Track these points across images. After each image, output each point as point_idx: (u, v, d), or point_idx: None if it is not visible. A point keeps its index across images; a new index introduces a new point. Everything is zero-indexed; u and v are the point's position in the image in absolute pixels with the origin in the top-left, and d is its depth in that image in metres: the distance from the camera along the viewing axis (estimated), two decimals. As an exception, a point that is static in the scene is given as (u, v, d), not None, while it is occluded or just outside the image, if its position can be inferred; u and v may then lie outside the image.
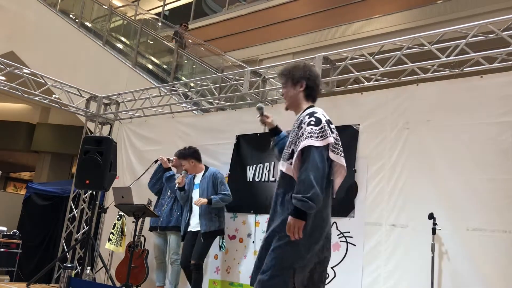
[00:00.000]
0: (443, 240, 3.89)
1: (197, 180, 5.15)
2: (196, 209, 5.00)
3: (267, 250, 2.62)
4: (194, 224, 4.99)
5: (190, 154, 5.20)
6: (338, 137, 2.72)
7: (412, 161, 4.23)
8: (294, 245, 2.52)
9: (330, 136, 2.60)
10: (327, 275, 4.41)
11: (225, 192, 4.97)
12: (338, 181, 2.73)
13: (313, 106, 2.81)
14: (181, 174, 5.17)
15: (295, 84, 2.82)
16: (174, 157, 5.49)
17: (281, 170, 2.74)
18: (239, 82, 5.62)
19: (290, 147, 2.72)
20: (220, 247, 5.06)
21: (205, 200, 4.84)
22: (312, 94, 2.84)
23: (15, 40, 11.12)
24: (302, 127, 2.65)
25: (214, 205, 4.89)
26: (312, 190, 2.44)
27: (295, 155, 2.62)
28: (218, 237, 5.04)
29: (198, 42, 11.06)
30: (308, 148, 2.54)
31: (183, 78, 8.75)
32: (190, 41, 10.76)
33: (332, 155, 2.65)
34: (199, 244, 4.86)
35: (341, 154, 2.70)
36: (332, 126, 2.70)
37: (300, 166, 2.57)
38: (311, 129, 2.59)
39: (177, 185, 5.12)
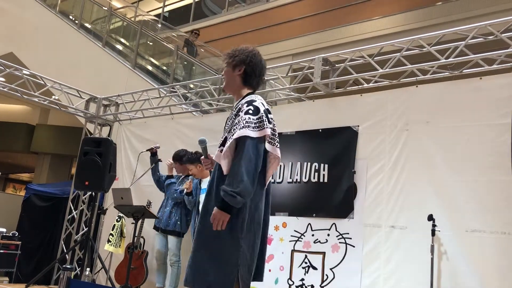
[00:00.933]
0: (442, 242, 3.89)
1: (204, 185, 5.14)
2: None
3: (205, 246, 2.53)
4: None
5: (198, 159, 5.19)
6: (275, 128, 2.63)
7: (411, 162, 4.23)
8: (235, 242, 2.46)
9: (267, 127, 2.51)
10: (326, 276, 4.43)
11: None
12: (270, 172, 2.63)
13: (252, 94, 2.69)
14: (188, 180, 5.22)
15: (235, 66, 2.70)
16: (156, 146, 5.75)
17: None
18: (239, 84, 5.61)
19: (224, 134, 2.64)
20: None
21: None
22: (250, 81, 2.71)
23: (15, 41, 11.12)
24: (239, 115, 2.54)
25: None
26: (241, 184, 2.37)
27: (227, 143, 2.53)
28: None
29: (198, 44, 11.07)
30: (243, 139, 2.45)
31: (183, 79, 8.75)
32: (199, 48, 10.77)
33: (268, 146, 2.56)
34: None
35: (277, 145, 2.61)
36: (270, 116, 2.61)
37: (233, 156, 2.50)
38: (249, 118, 2.49)
39: (185, 190, 5.19)
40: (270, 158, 2.61)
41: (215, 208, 2.43)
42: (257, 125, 2.48)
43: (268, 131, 2.52)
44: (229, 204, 2.39)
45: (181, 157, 5.52)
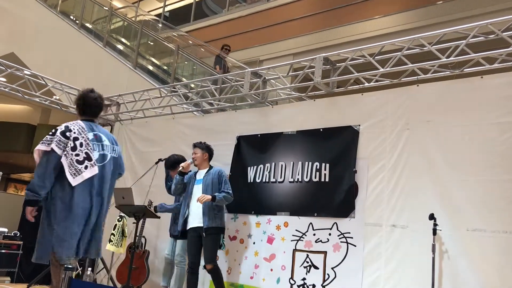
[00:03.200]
0: (443, 241, 3.90)
1: (200, 176, 5.11)
2: (195, 206, 4.94)
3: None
4: (194, 221, 4.93)
5: (207, 148, 5.21)
6: (76, 142, 3.52)
7: (412, 161, 4.23)
8: (50, 227, 3.44)
9: (53, 142, 3.45)
10: (327, 276, 4.43)
11: (228, 191, 4.93)
12: (85, 174, 3.49)
13: (83, 120, 3.71)
14: (188, 161, 5.16)
15: (76, 106, 3.81)
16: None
17: None
18: (240, 83, 5.62)
19: None
20: (220, 246, 5.03)
21: (209, 197, 4.78)
22: (85, 113, 3.77)
23: (16, 42, 11.13)
24: None
25: (217, 203, 4.85)
26: (30, 184, 3.35)
27: None
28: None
29: (198, 43, 11.07)
30: (40, 152, 3.46)
31: (184, 79, 8.76)
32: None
33: (60, 152, 3.44)
34: (207, 245, 4.82)
35: (64, 152, 3.45)
36: (69, 134, 3.52)
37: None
38: (46, 137, 3.50)
39: (180, 168, 5.09)
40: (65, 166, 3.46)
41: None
42: (49, 142, 3.45)
43: (53, 145, 3.44)
44: (28, 199, 3.40)
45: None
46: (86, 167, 3.49)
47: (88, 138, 3.58)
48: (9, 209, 9.53)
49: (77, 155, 3.47)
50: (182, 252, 5.36)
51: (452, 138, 4.05)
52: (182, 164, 5.13)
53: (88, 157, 3.52)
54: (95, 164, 3.54)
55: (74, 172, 3.45)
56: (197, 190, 5.01)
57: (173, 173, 5.62)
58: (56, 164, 3.43)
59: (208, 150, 5.21)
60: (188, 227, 4.97)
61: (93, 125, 3.70)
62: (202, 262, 4.91)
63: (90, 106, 3.76)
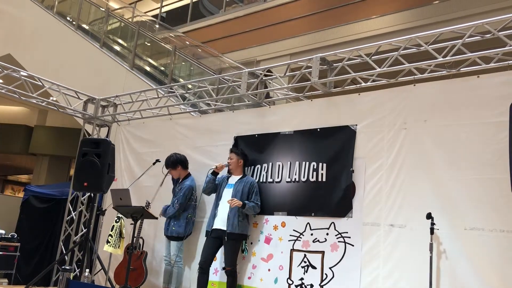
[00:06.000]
0: (441, 240, 3.90)
1: (232, 181, 5.17)
2: (222, 209, 5.02)
3: None
4: (219, 223, 5.00)
5: (243, 155, 5.25)
6: None
7: (409, 161, 4.24)
8: None
9: None
10: (325, 276, 4.44)
11: (258, 203, 5.02)
12: None
13: None
14: (223, 163, 5.26)
15: None
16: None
17: None
18: (237, 84, 5.62)
19: None
20: (243, 251, 5.10)
21: (239, 203, 4.86)
22: None
23: (12, 43, 11.10)
24: None
25: (246, 210, 4.94)
26: None
27: None
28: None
29: (195, 44, 11.06)
30: None
31: (181, 79, 8.75)
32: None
33: None
34: (229, 249, 4.89)
35: None
36: None
37: None
38: None
39: (214, 168, 5.22)
40: None
41: None
42: None
43: None
44: None
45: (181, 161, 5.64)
46: None
47: None
48: (6, 211, 9.52)
49: None
50: (178, 252, 5.38)
51: (449, 137, 4.06)
52: (216, 164, 5.24)
53: None
54: None
55: None
56: (227, 194, 5.08)
57: (174, 172, 5.64)
58: None
59: (243, 157, 5.25)
60: (214, 227, 5.03)
61: None
62: (217, 264, 5.00)
63: None
